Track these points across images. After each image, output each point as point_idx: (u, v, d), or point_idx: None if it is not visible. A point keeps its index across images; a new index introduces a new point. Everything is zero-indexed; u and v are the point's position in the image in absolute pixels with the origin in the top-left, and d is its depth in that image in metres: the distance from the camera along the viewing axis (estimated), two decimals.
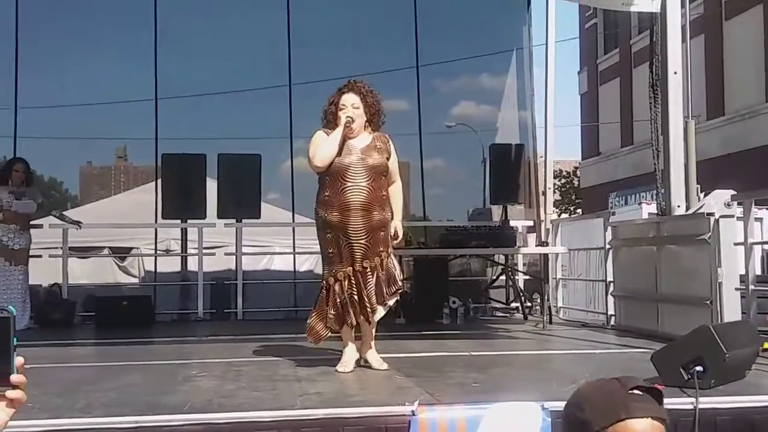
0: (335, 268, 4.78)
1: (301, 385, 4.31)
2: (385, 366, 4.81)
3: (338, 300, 4.74)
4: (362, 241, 4.73)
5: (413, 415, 3.58)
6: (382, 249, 4.82)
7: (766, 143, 17.67)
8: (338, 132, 4.77)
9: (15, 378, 1.43)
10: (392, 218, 4.93)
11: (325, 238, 4.83)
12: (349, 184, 4.72)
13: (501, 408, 3.67)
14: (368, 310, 4.74)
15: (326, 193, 4.80)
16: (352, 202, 4.71)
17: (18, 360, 1.44)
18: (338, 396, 4.03)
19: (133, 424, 3.44)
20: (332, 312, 4.77)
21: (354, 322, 4.78)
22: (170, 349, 6.27)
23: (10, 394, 1.43)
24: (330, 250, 4.79)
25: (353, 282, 4.73)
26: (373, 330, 4.89)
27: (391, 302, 4.94)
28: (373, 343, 4.91)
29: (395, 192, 4.99)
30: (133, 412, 3.60)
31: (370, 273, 4.74)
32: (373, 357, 4.88)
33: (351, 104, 4.85)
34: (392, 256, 4.93)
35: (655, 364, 4.25)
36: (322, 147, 4.78)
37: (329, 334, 4.88)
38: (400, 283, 4.95)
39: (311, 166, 4.85)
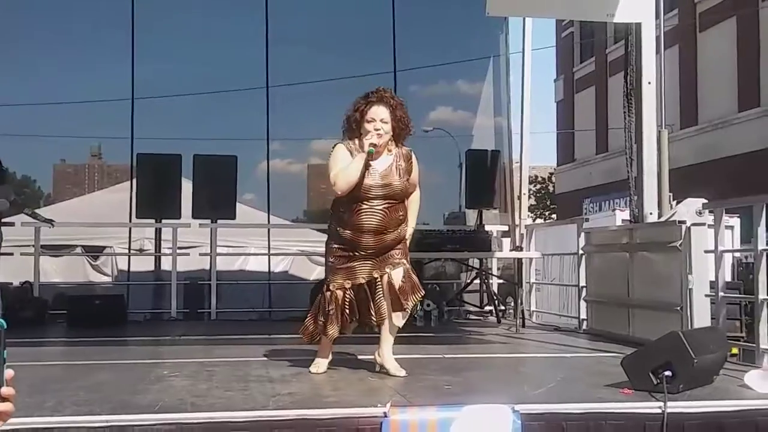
0: (332, 278, 4.71)
1: (274, 386, 4.30)
2: (403, 372, 4.65)
3: (328, 308, 4.66)
4: (370, 259, 4.65)
5: (385, 416, 3.60)
6: (398, 257, 4.70)
7: (738, 152, 17.95)
8: (360, 160, 4.57)
9: (4, 391, 1.40)
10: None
11: (331, 248, 4.74)
12: (365, 206, 4.60)
13: (472, 410, 3.70)
14: (373, 320, 4.66)
15: (341, 210, 4.69)
16: (365, 225, 4.61)
17: (8, 372, 1.41)
18: (311, 397, 4.03)
19: (103, 423, 3.43)
20: (321, 319, 4.71)
21: (331, 335, 4.69)
22: (142, 348, 6.25)
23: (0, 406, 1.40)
24: (331, 260, 4.73)
25: (348, 296, 4.66)
26: (392, 337, 4.75)
27: (409, 308, 4.78)
28: (390, 349, 4.75)
29: (413, 200, 4.88)
30: (103, 411, 3.58)
31: (379, 285, 4.64)
32: (391, 363, 4.71)
33: (380, 119, 4.62)
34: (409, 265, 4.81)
35: (625, 369, 4.30)
36: (345, 174, 4.57)
37: (319, 338, 4.80)
38: (422, 291, 4.82)
39: (333, 188, 4.66)
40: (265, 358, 5.38)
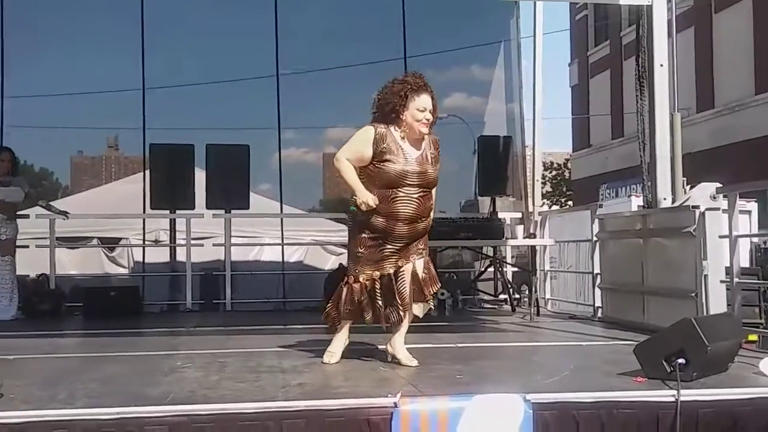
0: (360, 268, 4.61)
1: (285, 377, 4.30)
2: (415, 362, 4.63)
3: (356, 299, 4.59)
4: (400, 245, 4.59)
5: (395, 406, 3.59)
6: (422, 247, 4.69)
7: (755, 136, 17.75)
8: (358, 186, 4.52)
9: None
10: None
11: (360, 237, 4.61)
12: (401, 194, 4.52)
13: (483, 400, 3.68)
14: (400, 309, 4.60)
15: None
16: (401, 213, 4.54)
17: None
18: (321, 387, 4.03)
19: (114, 416, 3.44)
20: (348, 307, 4.63)
21: (371, 320, 4.63)
22: (156, 340, 6.26)
23: None
24: (360, 250, 4.60)
25: (377, 287, 4.58)
26: (406, 328, 4.72)
27: (431, 299, 4.81)
28: (402, 339, 4.74)
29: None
30: (115, 403, 3.59)
31: (403, 273, 4.61)
32: (403, 353, 4.69)
33: (429, 108, 4.58)
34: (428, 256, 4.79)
35: (638, 357, 4.27)
36: (344, 172, 4.56)
37: (342, 322, 4.74)
38: (438, 283, 4.81)
39: (334, 160, 4.61)
40: (279, 349, 5.38)
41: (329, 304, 4.77)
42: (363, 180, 4.58)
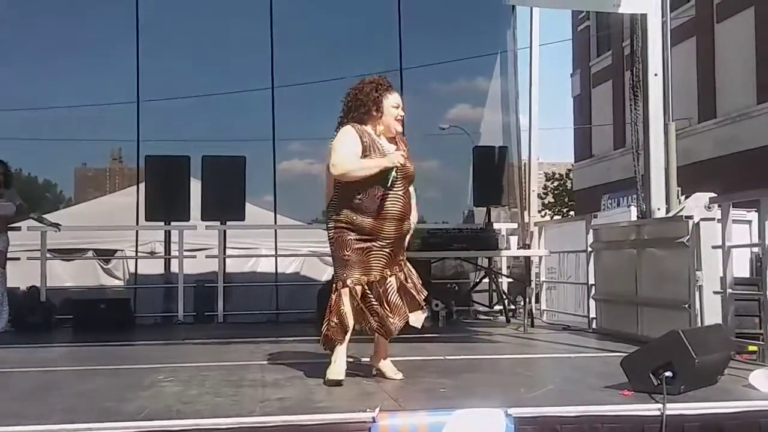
0: (348, 272, 4.46)
1: (265, 391, 4.24)
2: (400, 375, 4.58)
3: (342, 309, 4.45)
4: (387, 250, 4.51)
5: (374, 421, 3.52)
6: (401, 258, 4.65)
7: (757, 145, 17.63)
8: (381, 165, 4.43)
9: None
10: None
11: (345, 240, 4.47)
12: (389, 192, 4.48)
13: (464, 414, 3.61)
14: (393, 320, 4.50)
15: (358, 197, 4.46)
16: (390, 212, 4.48)
17: None
18: (301, 402, 3.96)
19: (85, 431, 3.37)
20: (335, 320, 4.48)
21: (349, 327, 4.44)
22: (142, 353, 6.21)
23: None
24: (347, 253, 4.46)
25: (367, 292, 4.47)
26: (388, 340, 4.64)
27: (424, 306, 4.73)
28: (386, 352, 4.68)
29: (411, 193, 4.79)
30: (89, 419, 3.53)
31: (391, 284, 4.54)
32: (389, 367, 4.64)
33: (402, 106, 4.61)
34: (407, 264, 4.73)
35: (625, 369, 4.19)
36: (360, 166, 4.43)
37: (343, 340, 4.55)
38: (425, 291, 4.73)
39: (330, 170, 4.50)
40: (264, 362, 5.32)
41: (324, 325, 4.56)
42: (346, 184, 4.50)
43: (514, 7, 10.12)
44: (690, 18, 20.12)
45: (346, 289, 4.47)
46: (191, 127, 11.41)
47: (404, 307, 4.58)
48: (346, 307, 4.45)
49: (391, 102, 4.58)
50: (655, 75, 6.75)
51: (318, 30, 11.22)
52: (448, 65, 11.60)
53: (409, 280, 4.64)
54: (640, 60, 6.85)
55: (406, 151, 4.65)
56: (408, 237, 4.72)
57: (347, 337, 4.50)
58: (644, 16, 6.81)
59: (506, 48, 10.68)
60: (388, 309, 4.52)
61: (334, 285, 4.57)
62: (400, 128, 4.65)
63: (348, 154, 4.48)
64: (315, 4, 11.25)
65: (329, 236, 4.61)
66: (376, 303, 4.49)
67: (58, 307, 8.87)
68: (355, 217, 4.48)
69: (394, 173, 4.46)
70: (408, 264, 4.73)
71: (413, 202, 4.73)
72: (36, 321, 8.10)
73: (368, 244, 4.50)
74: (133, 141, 11.26)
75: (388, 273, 4.55)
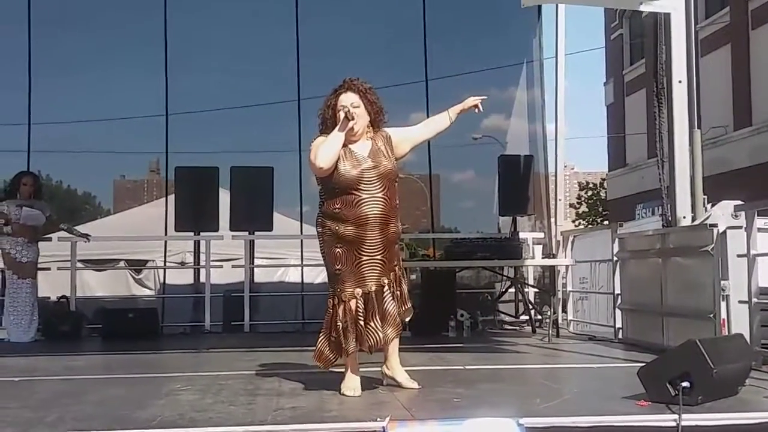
0: (340, 287, 4.39)
1: (279, 400, 4.24)
2: (414, 384, 4.53)
3: (339, 325, 4.40)
4: (378, 257, 4.43)
5: (384, 431, 3.51)
6: (396, 264, 4.57)
7: None
8: (338, 128, 4.39)
9: None
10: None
11: (333, 253, 4.41)
12: (365, 195, 4.37)
13: (475, 424, 3.58)
14: (389, 329, 4.44)
15: (336, 206, 4.39)
16: (370, 216, 4.37)
17: None
18: (314, 411, 3.95)
19: None
20: (333, 336, 4.45)
21: (351, 350, 4.39)
22: (164, 361, 6.27)
23: None
24: (337, 267, 4.39)
25: (360, 306, 4.39)
26: (397, 346, 4.60)
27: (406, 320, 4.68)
28: (398, 360, 4.63)
29: (427, 121, 4.79)
30: (100, 427, 3.56)
31: (388, 291, 4.46)
32: (402, 375, 4.59)
33: (350, 103, 4.45)
34: (402, 271, 4.69)
35: (642, 380, 4.13)
36: (324, 146, 4.39)
37: (338, 359, 4.54)
38: (410, 302, 4.65)
39: (314, 170, 4.47)
40: (283, 371, 5.32)
41: (320, 341, 4.54)
42: (323, 192, 4.53)
43: (540, 15, 10.07)
44: (725, 24, 19.86)
45: (342, 306, 4.42)
46: (220, 139, 11.55)
47: (399, 314, 4.52)
48: (342, 323, 4.40)
49: (337, 106, 4.48)
50: (680, 82, 6.64)
51: (343, 39, 11.27)
52: (480, 75, 11.56)
53: (398, 291, 4.56)
54: (664, 66, 6.74)
55: (389, 147, 4.54)
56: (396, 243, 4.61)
57: (350, 351, 4.42)
58: (668, 19, 6.69)
59: (532, 57, 10.63)
60: (377, 320, 4.41)
61: (329, 300, 4.53)
62: (353, 124, 4.43)
63: (319, 146, 4.46)
64: (340, 14, 11.31)
65: (320, 251, 4.59)
66: (362, 318, 4.39)
67: (90, 316, 9.00)
68: (338, 228, 4.41)
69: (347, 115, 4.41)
70: (403, 271, 4.68)
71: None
72: (65, 330, 8.21)
73: (355, 254, 4.41)
74: (166, 153, 11.42)
75: (385, 281, 4.47)
